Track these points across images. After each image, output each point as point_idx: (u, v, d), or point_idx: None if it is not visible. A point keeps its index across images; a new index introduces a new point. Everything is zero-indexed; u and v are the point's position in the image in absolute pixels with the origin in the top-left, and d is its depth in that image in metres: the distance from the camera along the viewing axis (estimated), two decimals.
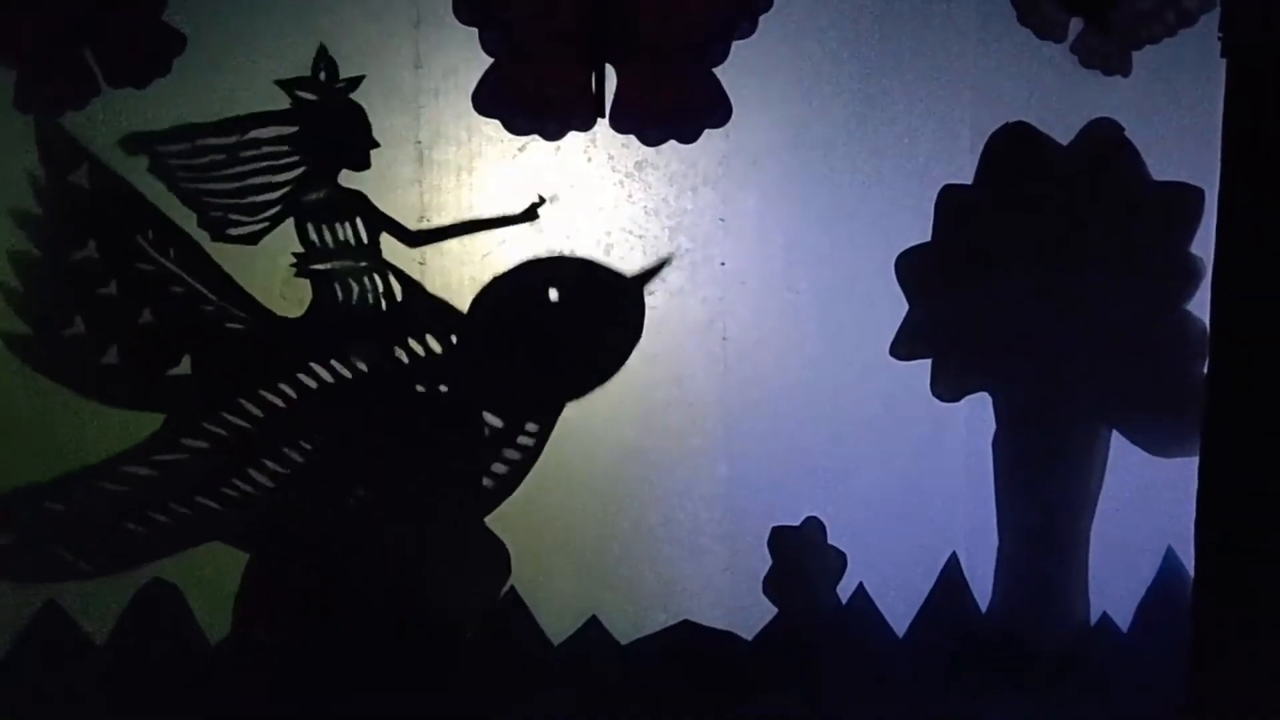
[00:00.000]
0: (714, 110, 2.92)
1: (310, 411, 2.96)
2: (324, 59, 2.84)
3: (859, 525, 3.07)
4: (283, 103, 2.85)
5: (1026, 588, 3.13)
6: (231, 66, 2.84)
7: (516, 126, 2.91)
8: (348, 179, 2.90)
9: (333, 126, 2.87)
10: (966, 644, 3.11)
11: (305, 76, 2.84)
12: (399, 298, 2.93)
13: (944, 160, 3.00)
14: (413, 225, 2.92)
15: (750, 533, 3.06)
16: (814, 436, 3.04)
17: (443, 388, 2.96)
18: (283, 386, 2.95)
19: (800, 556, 3.07)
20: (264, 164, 2.86)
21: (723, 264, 2.99)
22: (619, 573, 3.05)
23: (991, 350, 3.07)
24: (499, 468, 2.99)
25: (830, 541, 3.07)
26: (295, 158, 2.87)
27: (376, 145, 2.88)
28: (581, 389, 2.98)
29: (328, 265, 2.91)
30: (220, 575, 2.99)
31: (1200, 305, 2.97)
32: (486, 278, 2.94)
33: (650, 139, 2.93)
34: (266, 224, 2.89)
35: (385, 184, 2.91)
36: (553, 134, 2.92)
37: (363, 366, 2.95)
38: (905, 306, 3.02)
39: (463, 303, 2.95)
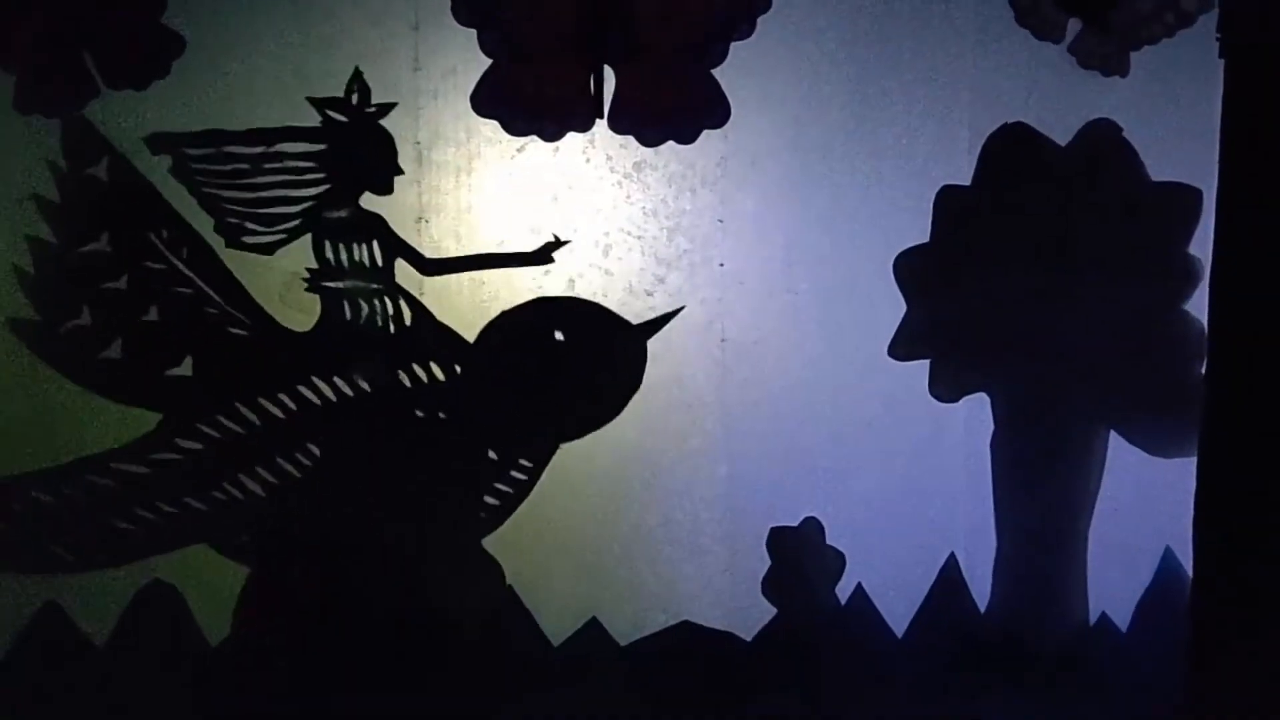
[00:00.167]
0: (712, 111, 2.92)
1: (307, 425, 2.97)
2: (358, 82, 2.86)
3: (858, 525, 3.07)
4: (277, 107, 2.86)
5: (1025, 588, 3.13)
6: (230, 69, 2.84)
7: (515, 127, 2.91)
8: (368, 201, 2.92)
9: (361, 149, 2.88)
10: (965, 644, 3.11)
11: (338, 97, 2.86)
12: (407, 322, 2.94)
13: (942, 161, 3.00)
14: (411, 225, 2.92)
15: (749, 533, 3.06)
16: (813, 437, 3.04)
17: (442, 415, 2.98)
18: (282, 397, 2.95)
19: (799, 557, 3.07)
20: (287, 177, 2.88)
21: (721, 265, 2.99)
22: (619, 573, 3.05)
23: (990, 350, 3.07)
24: (490, 499, 3.01)
25: (829, 542, 3.07)
26: (320, 175, 2.88)
27: (401, 172, 2.90)
28: (577, 432, 3.00)
29: (340, 283, 2.92)
30: (220, 577, 3.00)
31: (1199, 306, 2.97)
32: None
33: (649, 140, 2.93)
34: (284, 236, 2.91)
35: None
36: (551, 135, 2.92)
37: (364, 386, 2.96)
38: (904, 307, 3.02)
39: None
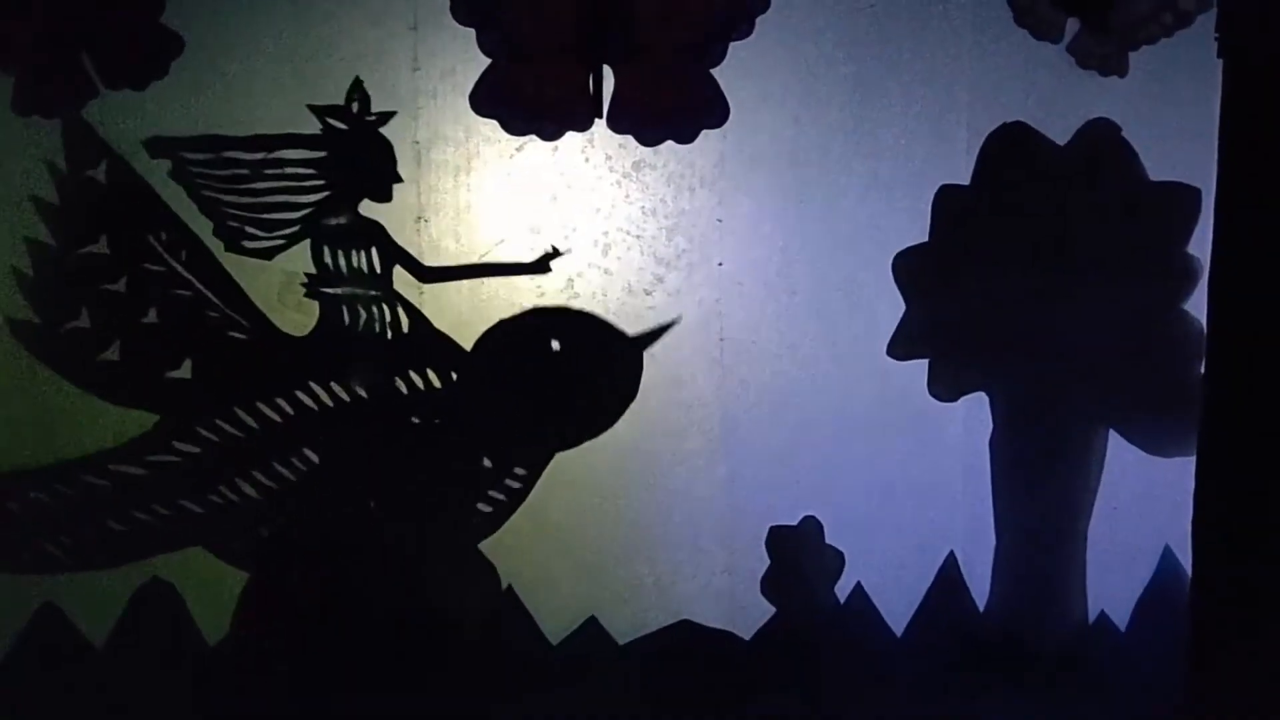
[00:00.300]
0: (711, 111, 2.92)
1: (305, 429, 2.97)
2: (358, 90, 2.87)
3: (857, 525, 3.07)
4: (276, 109, 2.86)
5: (1025, 587, 3.13)
6: (229, 70, 2.84)
7: (514, 127, 2.91)
8: (367, 208, 2.93)
9: (360, 157, 2.89)
10: (965, 643, 3.11)
11: (338, 105, 2.87)
12: (405, 329, 2.95)
13: (941, 161, 3.00)
14: (410, 225, 2.92)
15: (748, 533, 3.06)
16: (811, 437, 3.04)
17: (438, 421, 2.99)
18: (280, 401, 2.96)
19: (798, 556, 3.07)
20: (287, 184, 2.88)
21: (720, 264, 3.00)
22: (617, 573, 3.05)
23: (989, 350, 3.07)
24: (484, 506, 3.02)
25: (828, 541, 3.08)
26: (320, 182, 2.89)
27: (400, 180, 2.90)
28: (572, 441, 3.01)
29: (338, 290, 2.93)
30: (219, 577, 3.00)
31: (1198, 305, 2.98)
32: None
33: (648, 139, 2.93)
34: (283, 242, 2.91)
35: None
36: (550, 134, 2.92)
37: (361, 392, 2.96)
38: (903, 307, 3.02)
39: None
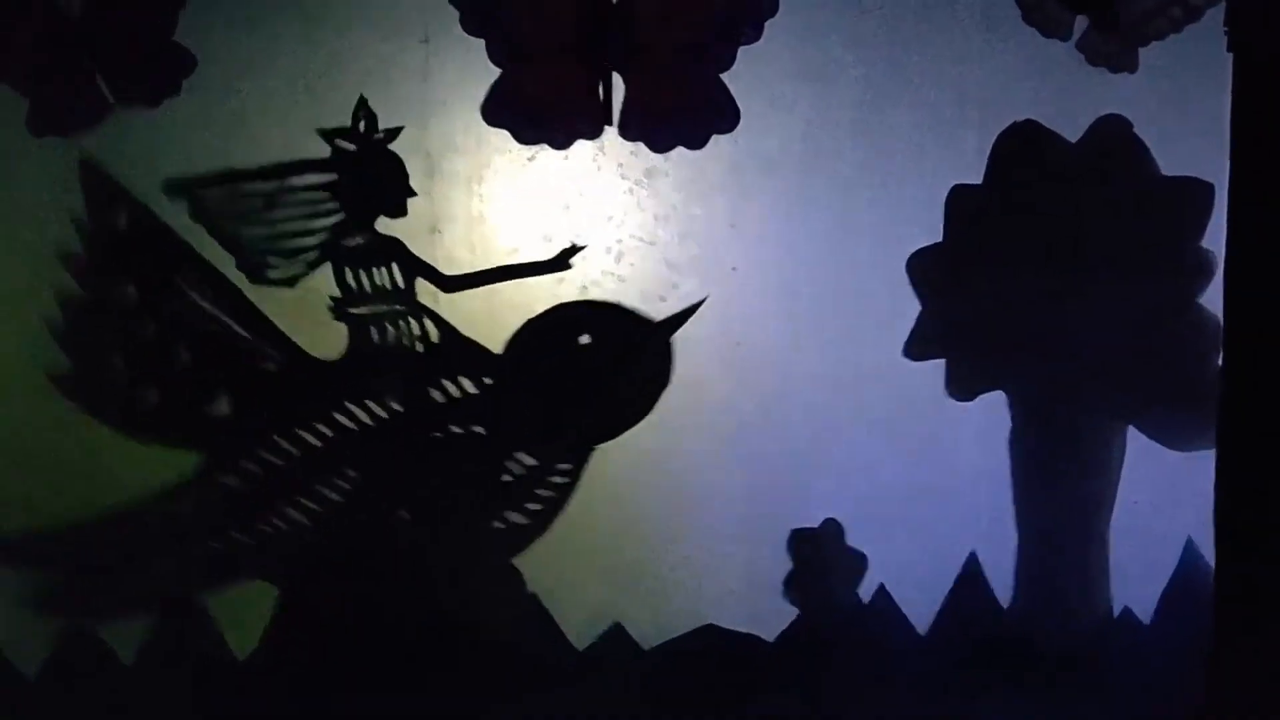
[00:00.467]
0: (722, 116, 2.92)
1: (345, 449, 2.98)
2: (364, 110, 2.87)
3: (878, 526, 3.07)
4: (290, 125, 2.86)
5: (1048, 584, 3.14)
6: (243, 87, 2.84)
7: (525, 136, 2.91)
8: (383, 225, 2.93)
9: (371, 175, 2.89)
10: (990, 642, 3.12)
11: (345, 127, 2.87)
12: (434, 340, 2.96)
13: (952, 161, 3.00)
14: (424, 237, 2.93)
15: (770, 536, 3.07)
16: (830, 439, 3.04)
17: (476, 428, 2.99)
18: (319, 426, 2.96)
19: (820, 558, 3.08)
20: (302, 210, 2.88)
21: (734, 269, 3.00)
22: (641, 579, 3.06)
23: (1006, 349, 3.08)
24: (532, 505, 3.02)
25: (849, 543, 3.08)
26: (334, 204, 2.89)
27: (414, 194, 2.90)
28: (611, 432, 3.01)
29: (364, 309, 2.93)
30: (247, 593, 3.00)
31: (1213, 299, 2.98)
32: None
33: (659, 146, 2.93)
34: (304, 268, 2.91)
35: None
36: (561, 143, 2.92)
37: (398, 407, 2.97)
38: (918, 307, 3.03)
39: (482, 333, 2.97)
